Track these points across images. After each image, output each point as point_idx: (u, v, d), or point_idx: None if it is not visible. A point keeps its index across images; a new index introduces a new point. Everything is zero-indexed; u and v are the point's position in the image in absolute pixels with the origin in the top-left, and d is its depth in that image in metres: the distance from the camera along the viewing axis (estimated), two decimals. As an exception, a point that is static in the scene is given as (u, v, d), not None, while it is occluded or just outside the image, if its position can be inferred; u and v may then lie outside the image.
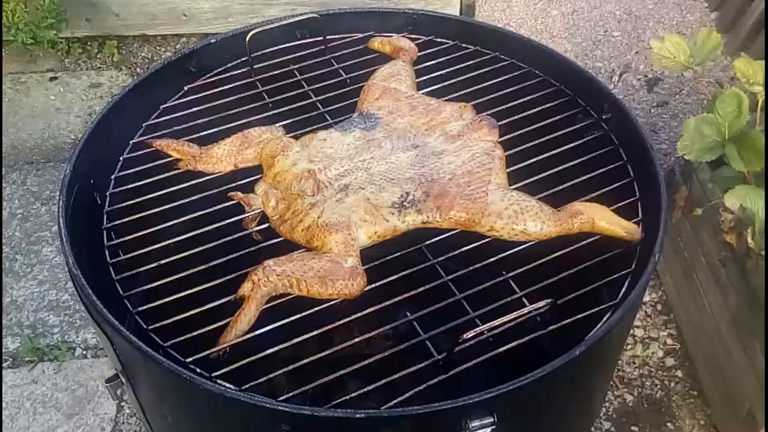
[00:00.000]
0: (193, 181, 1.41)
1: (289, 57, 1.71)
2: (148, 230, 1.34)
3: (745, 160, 1.63)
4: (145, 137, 1.51)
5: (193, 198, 1.38)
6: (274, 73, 1.68)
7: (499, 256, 1.29)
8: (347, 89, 1.63)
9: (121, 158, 1.48)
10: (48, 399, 2.06)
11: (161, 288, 1.24)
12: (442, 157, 1.40)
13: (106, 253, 1.32)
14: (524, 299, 1.24)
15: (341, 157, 1.40)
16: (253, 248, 1.30)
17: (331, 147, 1.42)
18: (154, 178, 1.42)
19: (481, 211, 1.30)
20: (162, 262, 1.28)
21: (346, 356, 1.15)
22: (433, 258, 1.31)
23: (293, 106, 1.60)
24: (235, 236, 1.32)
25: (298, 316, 1.19)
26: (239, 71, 1.68)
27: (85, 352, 2.18)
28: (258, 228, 1.36)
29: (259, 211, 1.36)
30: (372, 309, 1.21)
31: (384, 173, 1.37)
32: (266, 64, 1.69)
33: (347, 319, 1.19)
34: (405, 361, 1.14)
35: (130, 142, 1.51)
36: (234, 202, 1.37)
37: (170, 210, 1.36)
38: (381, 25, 1.76)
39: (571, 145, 1.49)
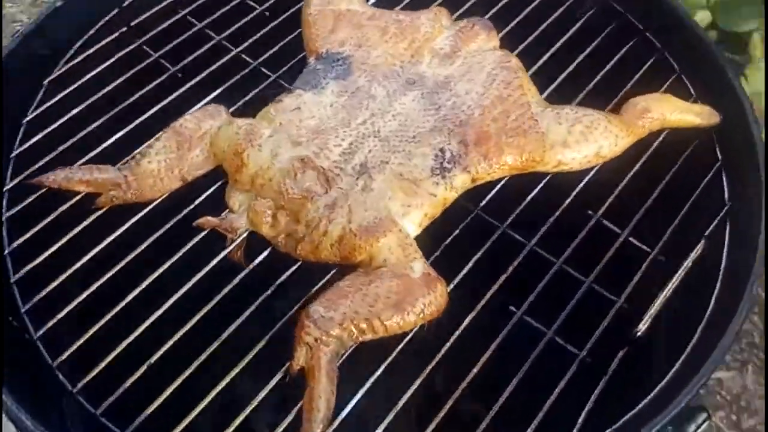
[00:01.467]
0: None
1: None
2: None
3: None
4: (25, 178, 1.00)
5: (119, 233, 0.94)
6: (164, 26, 1.18)
7: (572, 196, 1.01)
8: (273, 27, 1.19)
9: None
10: None
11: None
12: (454, 88, 1.06)
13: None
14: (632, 239, 0.98)
15: (334, 127, 1.00)
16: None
17: (311, 116, 1.01)
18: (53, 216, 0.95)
19: (541, 144, 0.99)
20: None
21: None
22: (499, 223, 1.00)
23: (213, 68, 1.14)
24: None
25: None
26: (113, 37, 1.17)
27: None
28: (259, 258, 0.96)
29: (244, 235, 0.95)
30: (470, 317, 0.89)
31: (400, 132, 1.00)
32: (145, 17, 1.19)
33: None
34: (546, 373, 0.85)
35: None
36: (201, 231, 0.95)
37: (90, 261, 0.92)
38: None
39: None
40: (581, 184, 1.02)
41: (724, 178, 1.05)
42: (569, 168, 1.01)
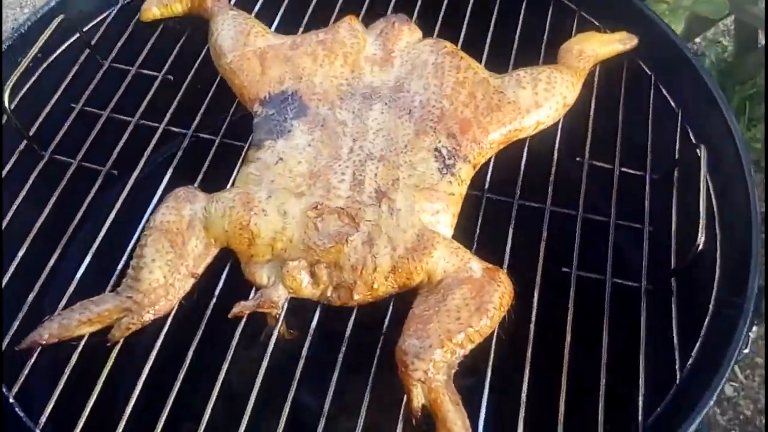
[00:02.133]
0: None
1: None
2: None
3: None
4: (22, 344, 0.83)
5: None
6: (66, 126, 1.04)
7: (556, 150, 1.05)
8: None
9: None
10: None
11: None
12: (409, 88, 1.04)
13: None
14: (624, 169, 1.04)
15: (326, 165, 0.94)
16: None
17: (298, 162, 0.95)
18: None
19: (517, 112, 1.02)
20: None
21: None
22: (510, 198, 1.00)
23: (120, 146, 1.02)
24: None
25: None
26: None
27: None
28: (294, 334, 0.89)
29: (284, 308, 0.88)
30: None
31: (391, 147, 0.97)
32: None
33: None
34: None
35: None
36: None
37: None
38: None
39: None
40: (557, 138, 1.07)
41: (662, 90, 1.15)
42: (545, 125, 1.05)
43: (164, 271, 0.87)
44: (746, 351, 0.88)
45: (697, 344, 0.88)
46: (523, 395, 0.82)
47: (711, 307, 0.91)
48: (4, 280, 0.90)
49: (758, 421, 1.75)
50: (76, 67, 1.10)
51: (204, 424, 0.78)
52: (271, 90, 1.03)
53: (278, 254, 0.88)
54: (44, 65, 1.09)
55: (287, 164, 0.94)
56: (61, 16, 1.05)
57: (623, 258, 0.96)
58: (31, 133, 1.02)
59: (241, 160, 1.01)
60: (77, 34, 1.12)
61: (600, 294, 0.92)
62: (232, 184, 0.98)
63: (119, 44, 1.14)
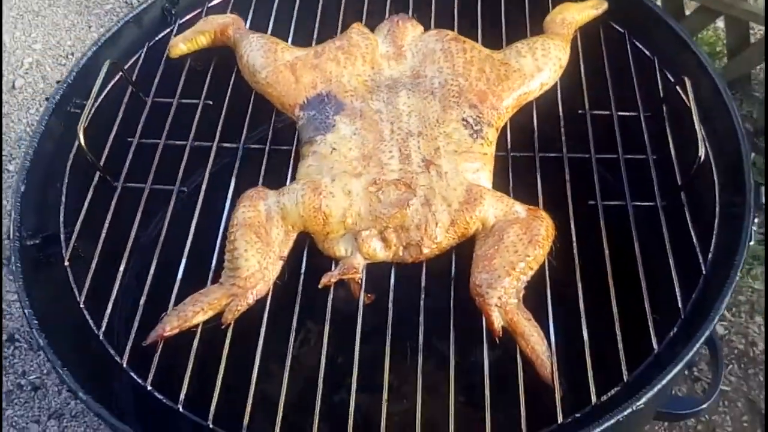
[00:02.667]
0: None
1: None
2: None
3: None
4: (148, 339, 0.95)
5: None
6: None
7: (560, 106, 1.21)
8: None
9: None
10: None
11: None
12: (426, 74, 1.19)
13: None
14: (620, 113, 1.21)
15: (374, 147, 1.08)
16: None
17: (349, 149, 1.09)
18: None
19: (523, 77, 1.18)
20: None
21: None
22: (531, 153, 1.16)
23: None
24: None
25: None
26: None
27: None
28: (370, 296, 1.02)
29: (363, 273, 1.01)
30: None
31: (425, 123, 1.11)
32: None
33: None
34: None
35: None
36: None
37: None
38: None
39: None
40: (558, 96, 1.22)
41: (637, 44, 1.32)
42: (548, 85, 1.20)
43: (257, 258, 0.99)
44: (751, 243, 1.04)
45: (713, 240, 1.04)
46: (581, 305, 0.97)
47: (717, 209, 1.07)
48: (114, 291, 1.01)
49: (752, 352, 1.90)
50: (123, 106, 1.22)
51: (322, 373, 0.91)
52: (307, 95, 1.17)
53: (350, 228, 1.02)
54: (95, 105, 1.21)
55: (341, 152, 1.08)
56: (108, 62, 1.17)
57: (636, 185, 1.12)
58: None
59: (291, 159, 1.15)
60: (118, 74, 1.25)
61: (624, 216, 1.08)
62: (291, 179, 1.12)
63: (156, 80, 1.26)
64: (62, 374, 0.89)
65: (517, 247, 0.98)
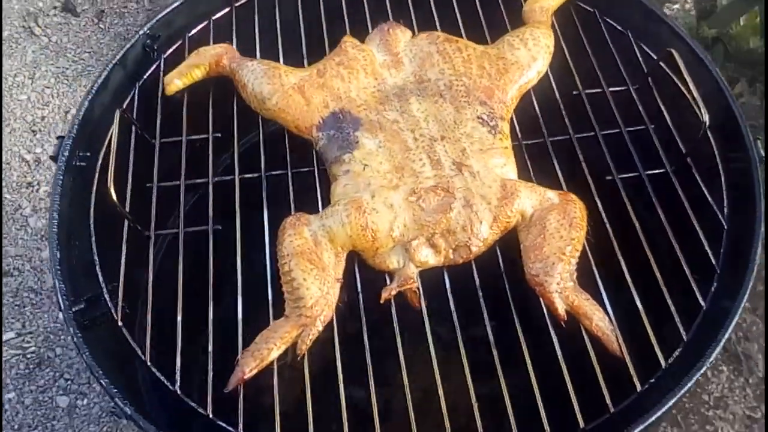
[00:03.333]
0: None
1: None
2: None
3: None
4: (229, 385, 0.95)
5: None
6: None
7: (557, 93, 1.27)
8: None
9: None
10: None
11: None
12: (429, 77, 1.23)
13: None
14: (610, 88, 1.28)
15: (403, 157, 1.11)
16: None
17: (380, 163, 1.11)
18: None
19: (522, 68, 1.23)
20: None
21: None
22: (541, 138, 1.22)
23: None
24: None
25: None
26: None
27: None
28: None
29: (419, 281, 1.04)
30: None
31: (444, 127, 1.15)
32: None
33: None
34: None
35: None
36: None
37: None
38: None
39: None
40: (552, 82, 1.29)
41: (608, 20, 1.39)
42: (543, 72, 1.26)
43: (317, 285, 1.01)
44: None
45: (724, 193, 1.13)
46: (627, 277, 1.04)
47: (721, 166, 1.17)
48: (178, 342, 1.00)
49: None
50: (133, 152, 1.19)
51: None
52: (321, 115, 1.18)
53: (398, 240, 1.05)
54: (103, 154, 1.18)
55: (373, 167, 1.10)
56: (118, 111, 1.14)
57: (645, 156, 1.20)
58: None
59: (317, 180, 1.17)
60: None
61: (642, 186, 1.15)
62: (322, 200, 1.13)
63: (159, 120, 1.24)
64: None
65: (561, 233, 1.04)
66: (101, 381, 0.92)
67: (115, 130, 1.11)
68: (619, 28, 1.38)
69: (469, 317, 1.02)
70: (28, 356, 1.99)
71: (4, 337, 2.00)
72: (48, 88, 2.63)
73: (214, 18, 1.39)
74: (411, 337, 1.01)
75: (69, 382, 1.95)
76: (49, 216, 1.06)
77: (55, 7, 2.89)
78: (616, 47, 1.34)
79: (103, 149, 1.19)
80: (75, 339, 0.95)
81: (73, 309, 1.00)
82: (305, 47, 1.34)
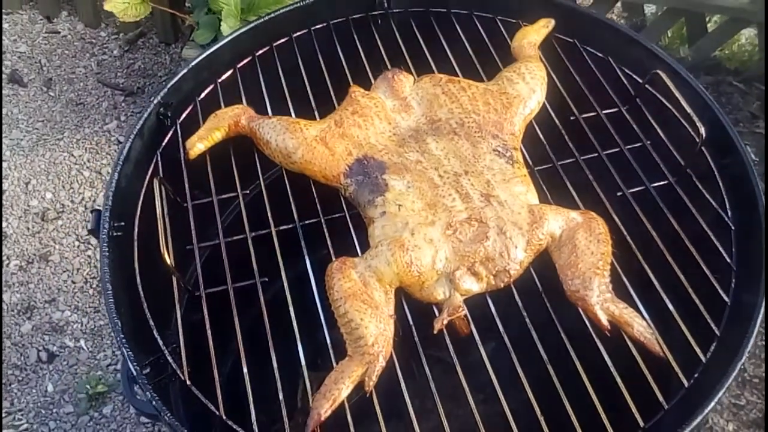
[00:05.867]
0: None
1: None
2: None
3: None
4: (308, 429, 0.98)
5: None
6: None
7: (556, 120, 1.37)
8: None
9: None
10: None
11: None
12: (440, 117, 1.31)
13: None
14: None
15: (434, 195, 1.18)
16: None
17: (412, 202, 1.17)
18: None
19: (523, 101, 1.33)
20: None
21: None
22: (551, 163, 1.31)
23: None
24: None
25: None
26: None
27: None
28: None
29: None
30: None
31: (465, 162, 1.23)
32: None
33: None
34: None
35: None
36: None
37: None
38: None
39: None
40: (549, 110, 1.38)
41: (588, 48, 1.50)
42: (541, 102, 1.36)
43: (374, 323, 1.06)
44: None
45: (725, 197, 1.24)
46: (655, 282, 1.13)
47: (718, 174, 1.28)
48: (249, 397, 1.03)
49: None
50: (167, 217, 1.22)
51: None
52: (347, 163, 1.25)
53: (442, 272, 1.11)
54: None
55: (407, 206, 1.17)
56: (157, 179, 1.18)
57: (646, 170, 1.30)
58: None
59: (350, 224, 1.22)
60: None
61: (651, 199, 1.25)
62: (359, 243, 1.19)
63: (186, 183, 1.27)
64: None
65: (591, 249, 1.12)
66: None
67: (158, 197, 1.14)
68: (599, 54, 1.49)
69: (519, 338, 1.09)
70: (21, 435, 1.94)
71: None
72: (4, 161, 2.61)
73: (219, 80, 1.45)
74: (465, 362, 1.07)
75: (67, 456, 1.91)
76: (103, 288, 1.09)
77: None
78: (600, 72, 1.46)
79: (137, 216, 1.22)
80: (154, 402, 0.97)
81: (144, 373, 1.03)
82: (312, 97, 1.41)
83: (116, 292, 1.14)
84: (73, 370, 2.05)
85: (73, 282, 2.26)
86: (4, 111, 2.74)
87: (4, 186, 2.51)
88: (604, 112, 1.39)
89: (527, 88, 1.34)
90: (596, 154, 1.33)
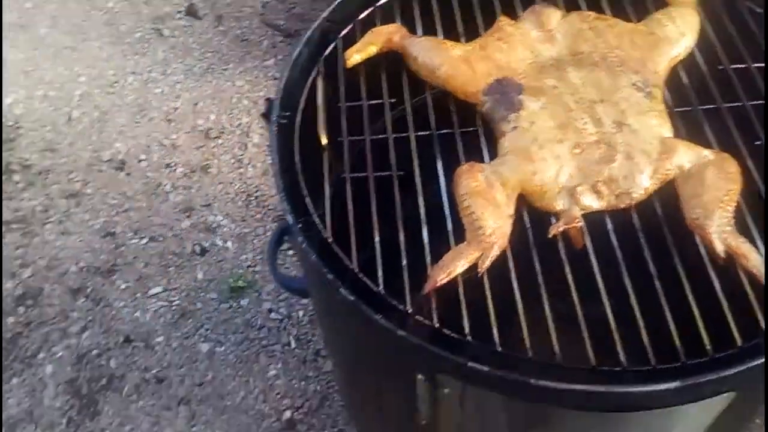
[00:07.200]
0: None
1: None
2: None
3: None
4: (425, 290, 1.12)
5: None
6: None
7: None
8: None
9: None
10: None
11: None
12: (583, 50, 1.36)
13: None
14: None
15: (567, 116, 1.24)
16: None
17: (545, 122, 1.24)
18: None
19: (671, 45, 1.35)
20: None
21: None
22: (691, 105, 1.33)
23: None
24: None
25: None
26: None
27: None
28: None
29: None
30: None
31: (602, 92, 1.28)
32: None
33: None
34: None
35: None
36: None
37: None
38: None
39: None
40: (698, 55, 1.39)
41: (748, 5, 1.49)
42: (691, 47, 1.37)
43: (493, 218, 1.15)
44: None
45: None
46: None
47: None
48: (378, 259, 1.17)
49: None
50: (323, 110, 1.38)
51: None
52: (486, 81, 1.33)
53: (564, 186, 1.18)
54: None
55: (539, 124, 1.24)
56: (320, 80, 1.34)
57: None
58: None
59: (482, 137, 1.31)
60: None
61: None
62: (489, 154, 1.28)
63: (342, 88, 1.42)
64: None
65: (718, 185, 1.14)
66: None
67: (319, 93, 1.31)
68: (758, 10, 1.47)
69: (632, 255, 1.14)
70: (173, 308, 2.27)
71: (152, 291, 2.29)
72: (178, 83, 2.94)
73: (377, 4, 1.58)
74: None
75: (208, 331, 2.22)
76: (272, 156, 1.27)
77: (179, 12, 3.20)
78: (756, 25, 1.44)
79: (299, 109, 1.38)
80: (304, 245, 1.15)
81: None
82: (463, 26, 1.50)
83: (281, 159, 1.31)
84: (219, 266, 2.35)
85: (227, 193, 2.56)
86: (180, 40, 3.07)
87: (177, 104, 2.83)
88: (754, 65, 1.38)
89: (677, 31, 1.36)
90: (740, 103, 1.32)
